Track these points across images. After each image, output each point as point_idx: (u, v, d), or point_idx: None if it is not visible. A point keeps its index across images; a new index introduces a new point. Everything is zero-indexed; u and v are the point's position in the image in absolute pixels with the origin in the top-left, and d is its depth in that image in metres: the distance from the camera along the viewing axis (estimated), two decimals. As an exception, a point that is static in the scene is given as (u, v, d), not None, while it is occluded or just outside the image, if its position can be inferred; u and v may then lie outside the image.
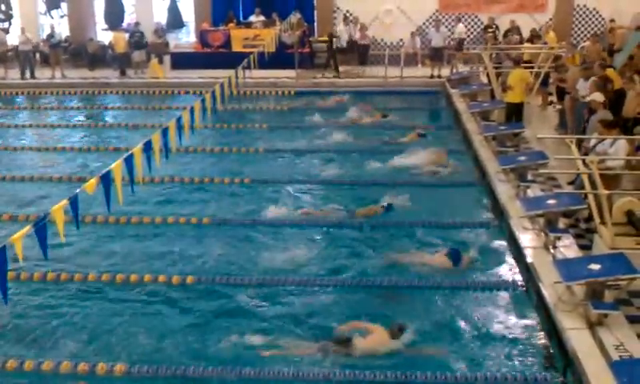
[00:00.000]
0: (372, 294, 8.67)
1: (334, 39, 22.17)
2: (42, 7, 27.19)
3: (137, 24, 24.28)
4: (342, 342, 7.40)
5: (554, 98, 16.53)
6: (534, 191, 10.95)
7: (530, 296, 8.34)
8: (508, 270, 9.13)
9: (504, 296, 8.51)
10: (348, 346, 7.33)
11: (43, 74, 23.13)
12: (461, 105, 17.45)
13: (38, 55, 24.68)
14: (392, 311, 8.15)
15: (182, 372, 6.99)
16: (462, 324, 7.90)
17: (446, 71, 21.06)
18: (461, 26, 22.68)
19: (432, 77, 21.19)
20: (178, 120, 10.03)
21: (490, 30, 21.99)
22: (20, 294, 8.61)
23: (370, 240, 10.22)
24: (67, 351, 7.45)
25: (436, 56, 21.46)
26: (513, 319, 7.97)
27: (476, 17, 23.82)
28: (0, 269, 5.28)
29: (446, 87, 19.85)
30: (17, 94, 21.96)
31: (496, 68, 17.08)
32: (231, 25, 24.33)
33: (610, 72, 13.25)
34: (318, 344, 7.40)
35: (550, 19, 23.11)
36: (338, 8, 24.16)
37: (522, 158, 11.75)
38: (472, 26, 23.92)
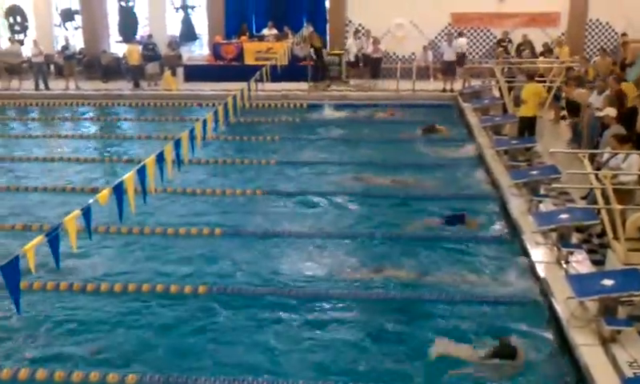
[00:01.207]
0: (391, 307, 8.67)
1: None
2: (57, 19, 27.41)
3: (150, 36, 24.48)
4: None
5: (565, 113, 16.48)
6: (546, 206, 10.91)
7: (542, 311, 8.28)
8: (520, 285, 9.06)
9: (515, 311, 8.45)
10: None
11: (58, 86, 23.32)
12: (473, 119, 17.45)
13: (52, 67, 24.93)
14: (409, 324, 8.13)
15: (194, 382, 6.99)
16: (472, 337, 7.85)
17: (458, 85, 21.08)
18: (462, 39, 22.61)
19: (444, 90, 21.21)
20: (191, 132, 10.07)
21: (503, 44, 21.97)
22: (33, 303, 8.63)
23: (383, 253, 10.20)
24: (79, 360, 7.46)
25: (448, 70, 21.49)
26: (524, 334, 7.89)
27: (488, 31, 23.85)
28: (13, 278, 5.29)
29: (458, 101, 19.85)
30: (31, 105, 22.15)
31: (508, 82, 17.07)
32: (244, 38, 24.49)
33: (625, 86, 13.21)
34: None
35: (563, 34, 23.07)
36: (350, 21, 24.25)
37: (535, 172, 11.71)
38: (484, 41, 23.94)
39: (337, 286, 9.17)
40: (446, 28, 23.68)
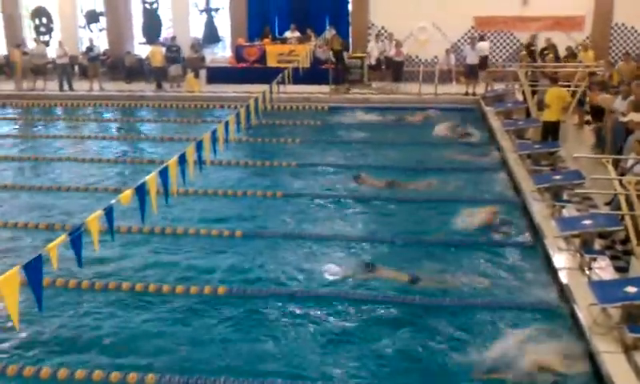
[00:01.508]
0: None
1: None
2: (82, 21, 27.69)
3: (173, 38, 24.64)
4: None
5: (589, 118, 16.32)
6: (569, 211, 10.81)
7: (564, 318, 8.19)
8: (542, 291, 8.98)
9: (537, 317, 8.37)
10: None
11: (82, 87, 23.56)
12: (495, 122, 17.35)
13: (76, 68, 25.18)
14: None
15: (212, 383, 7.01)
16: (494, 343, 7.79)
17: (480, 89, 20.97)
18: (484, 43, 22.45)
19: (467, 94, 21.12)
20: (213, 133, 10.12)
21: (532, 47, 21.71)
22: (55, 301, 8.72)
23: (403, 257, 10.17)
24: (100, 359, 7.53)
25: (471, 73, 21.39)
26: (546, 341, 7.82)
27: (511, 34, 23.71)
28: (36, 276, 5.34)
29: (481, 105, 19.74)
30: (55, 105, 22.41)
31: (532, 86, 16.94)
32: (266, 40, 24.55)
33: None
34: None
35: (587, 38, 22.87)
36: (372, 24, 24.22)
37: (558, 177, 11.61)
38: (507, 44, 23.80)
39: (355, 289, 9.16)
40: (469, 31, 23.58)
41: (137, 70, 24.98)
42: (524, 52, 21.22)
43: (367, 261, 9.78)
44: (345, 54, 23.64)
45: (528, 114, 16.61)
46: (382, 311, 8.60)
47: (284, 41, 24.65)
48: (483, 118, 18.80)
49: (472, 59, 21.45)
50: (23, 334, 7.94)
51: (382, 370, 7.38)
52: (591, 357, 7.13)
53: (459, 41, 23.65)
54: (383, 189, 13.24)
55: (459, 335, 7.99)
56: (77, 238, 5.93)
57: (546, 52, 20.93)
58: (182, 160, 8.56)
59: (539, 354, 7.41)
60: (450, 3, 23.00)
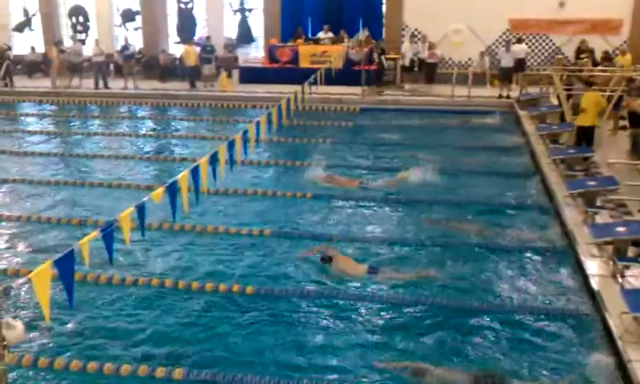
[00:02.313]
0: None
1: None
2: (118, 19, 28.07)
3: (208, 38, 24.82)
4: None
5: (626, 123, 16.04)
6: (602, 218, 10.65)
7: (595, 325, 8.07)
8: (573, 297, 8.86)
9: (568, 323, 8.26)
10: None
11: (116, 85, 23.87)
12: (529, 126, 17.18)
13: (112, 66, 25.52)
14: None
15: (240, 380, 7.04)
16: (523, 348, 7.71)
17: (515, 92, 20.77)
18: (521, 45, 22.11)
19: (500, 97, 20.92)
20: (244, 133, 10.17)
21: (584, 56, 20.85)
22: (86, 296, 8.84)
23: (433, 259, 10.12)
24: (128, 353, 7.61)
25: (505, 76, 21.18)
26: (576, 348, 7.72)
27: (547, 37, 23.43)
28: (68, 271, 5.42)
29: (515, 108, 19.54)
30: (90, 103, 22.73)
31: (567, 90, 16.72)
32: (299, 41, 24.62)
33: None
34: None
35: (625, 42, 22.50)
36: (406, 26, 24.13)
37: (592, 182, 11.45)
38: (543, 47, 23.54)
39: (383, 290, 9.13)
40: (504, 34, 23.37)
41: (171, 69, 25.23)
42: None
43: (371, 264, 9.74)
44: (378, 56, 23.60)
45: (562, 119, 16.40)
46: (413, 313, 8.57)
47: (317, 42, 24.69)
48: (517, 121, 18.61)
49: (506, 62, 21.23)
50: (54, 327, 8.06)
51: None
52: (622, 365, 7.01)
53: (494, 43, 23.45)
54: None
55: (483, 339, 7.92)
56: (109, 233, 6.00)
57: (582, 56, 20.64)
58: (214, 159, 8.63)
59: (568, 361, 7.32)
60: (484, 5, 22.77)
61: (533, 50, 23.45)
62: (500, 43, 22.98)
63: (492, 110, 19.90)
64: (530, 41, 23.38)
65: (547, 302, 8.78)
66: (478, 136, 17.69)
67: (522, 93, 20.48)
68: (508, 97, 20.73)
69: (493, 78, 22.19)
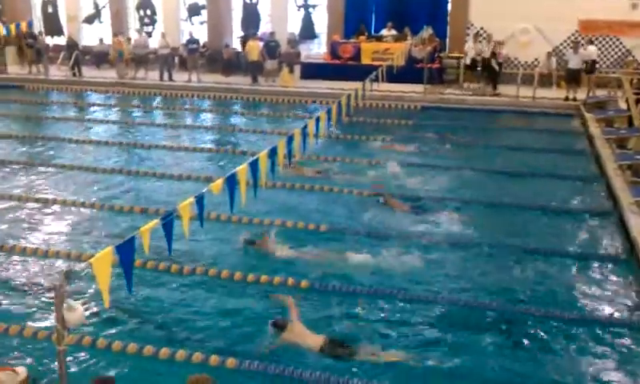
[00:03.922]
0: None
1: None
2: (184, 13, 28.53)
3: (272, 33, 24.97)
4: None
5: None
6: (669, 227, 10.29)
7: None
8: (636, 307, 8.58)
9: (631, 334, 8.00)
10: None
11: (180, 77, 24.28)
12: (596, 130, 16.73)
13: (177, 59, 25.97)
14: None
15: (291, 372, 7.05)
16: (584, 358, 7.53)
17: (582, 94, 20.23)
18: (592, 47, 21.50)
19: (567, 99, 20.41)
20: (304, 129, 10.19)
21: None
22: (144, 283, 9.01)
23: (491, 263, 9.96)
24: (181, 340, 7.72)
25: (572, 78, 20.63)
26: (637, 360, 7.48)
27: (617, 40, 22.75)
28: (128, 258, 5.51)
29: (581, 111, 19.05)
30: (155, 94, 23.19)
31: (636, 94, 16.20)
32: (362, 37, 24.55)
33: None
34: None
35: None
36: (472, 24, 23.77)
37: (660, 190, 11.08)
38: (613, 50, 22.86)
39: (437, 292, 9.03)
40: (572, 35, 22.78)
41: (234, 63, 25.51)
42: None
43: None
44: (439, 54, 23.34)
45: (630, 123, 15.91)
46: (473, 317, 8.46)
47: (379, 39, 24.56)
48: (583, 124, 18.14)
49: (574, 64, 20.67)
50: (112, 311, 8.23)
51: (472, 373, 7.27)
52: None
53: (561, 44, 22.89)
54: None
55: (544, 346, 7.75)
56: (168, 223, 6.08)
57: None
58: (273, 153, 8.67)
59: (630, 372, 7.10)
60: (553, 5, 22.20)
61: (602, 52, 22.77)
62: (568, 44, 22.41)
63: (558, 112, 19.46)
64: (600, 42, 22.73)
65: (609, 310, 8.54)
66: (542, 138, 17.32)
67: (590, 95, 19.95)
68: (575, 99, 20.22)
69: (559, 79, 21.67)
